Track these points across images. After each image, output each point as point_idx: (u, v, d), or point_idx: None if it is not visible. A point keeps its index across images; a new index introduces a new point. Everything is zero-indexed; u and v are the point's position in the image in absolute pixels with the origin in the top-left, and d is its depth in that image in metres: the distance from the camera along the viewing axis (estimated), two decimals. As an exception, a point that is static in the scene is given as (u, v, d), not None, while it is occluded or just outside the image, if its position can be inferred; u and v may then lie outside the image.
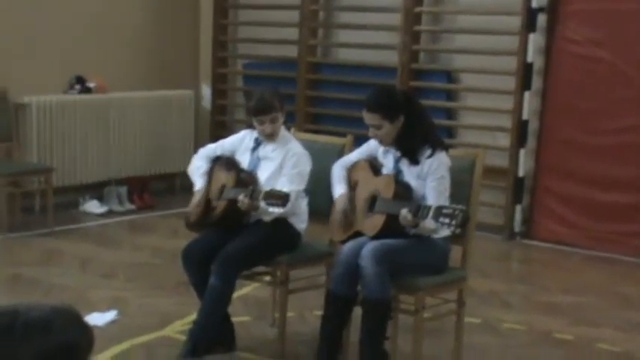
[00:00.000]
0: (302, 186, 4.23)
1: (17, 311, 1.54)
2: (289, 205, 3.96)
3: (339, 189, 4.19)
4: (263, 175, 4.26)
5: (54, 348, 1.52)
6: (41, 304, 1.57)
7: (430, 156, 3.95)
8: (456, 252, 4.16)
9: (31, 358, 1.49)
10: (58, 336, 1.52)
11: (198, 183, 4.40)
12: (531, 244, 6.97)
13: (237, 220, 4.27)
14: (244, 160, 4.36)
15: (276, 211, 3.99)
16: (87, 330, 1.60)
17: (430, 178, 3.92)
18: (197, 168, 4.45)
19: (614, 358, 4.58)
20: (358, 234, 4.08)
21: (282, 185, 4.12)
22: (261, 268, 4.49)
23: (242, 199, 4.06)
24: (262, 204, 3.99)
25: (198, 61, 8.62)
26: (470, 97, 7.44)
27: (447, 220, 3.62)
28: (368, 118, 4.00)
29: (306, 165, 4.25)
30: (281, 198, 3.91)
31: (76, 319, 1.59)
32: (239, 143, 4.44)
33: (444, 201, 3.87)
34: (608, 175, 6.64)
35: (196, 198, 4.37)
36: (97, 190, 7.63)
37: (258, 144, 4.35)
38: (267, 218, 4.20)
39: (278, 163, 4.25)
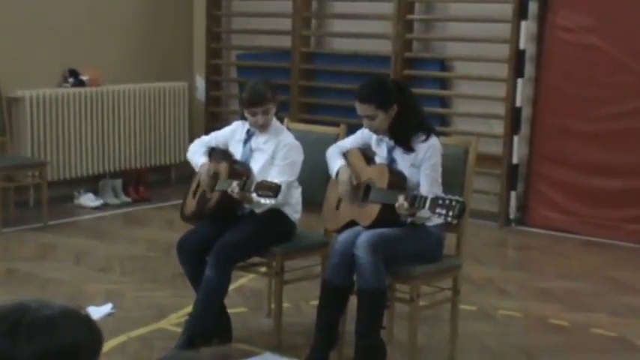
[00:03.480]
0: (293, 177, 4.22)
1: (28, 308, 1.54)
2: (280, 196, 3.96)
3: (338, 162, 4.17)
4: (255, 166, 4.26)
5: (55, 348, 1.51)
6: (53, 304, 1.57)
7: (425, 140, 3.96)
8: (450, 240, 4.17)
9: (30, 356, 1.49)
10: (62, 337, 1.52)
11: (201, 159, 4.39)
12: (526, 231, 6.99)
13: (232, 211, 4.27)
14: (236, 152, 4.36)
15: (268, 202, 3.99)
16: (94, 333, 1.58)
17: (424, 165, 3.94)
18: (195, 151, 4.46)
19: (609, 343, 4.60)
20: (353, 223, 4.09)
21: (273, 176, 4.11)
22: (256, 259, 4.49)
23: (233, 187, 4.06)
24: (254, 195, 3.99)
25: (192, 52, 8.61)
26: (463, 84, 7.44)
27: (443, 211, 3.62)
28: (361, 109, 4.01)
29: (297, 156, 4.25)
30: (272, 189, 3.91)
31: (85, 321, 1.58)
32: (231, 135, 4.43)
33: (438, 188, 3.89)
34: (601, 160, 6.66)
35: (204, 169, 4.32)
36: (91, 183, 7.63)
37: (250, 135, 4.35)
38: (259, 210, 4.21)
39: (270, 154, 4.24)
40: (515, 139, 6.99)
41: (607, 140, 6.63)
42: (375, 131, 4.06)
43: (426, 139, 3.97)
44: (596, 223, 6.72)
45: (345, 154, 4.22)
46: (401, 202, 3.75)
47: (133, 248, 6.26)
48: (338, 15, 7.98)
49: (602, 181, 6.68)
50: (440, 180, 3.95)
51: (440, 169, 3.97)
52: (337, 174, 4.16)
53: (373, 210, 3.97)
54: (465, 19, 7.27)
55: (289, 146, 4.24)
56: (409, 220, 3.90)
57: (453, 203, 3.60)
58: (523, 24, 6.82)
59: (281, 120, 4.48)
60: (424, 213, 3.75)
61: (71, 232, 6.68)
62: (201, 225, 4.35)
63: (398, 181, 3.95)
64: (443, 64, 7.48)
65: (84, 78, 7.55)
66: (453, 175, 4.05)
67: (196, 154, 4.44)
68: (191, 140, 4.78)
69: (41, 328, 1.51)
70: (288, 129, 4.48)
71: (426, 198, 3.70)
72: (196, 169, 4.43)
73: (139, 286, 5.36)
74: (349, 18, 7.80)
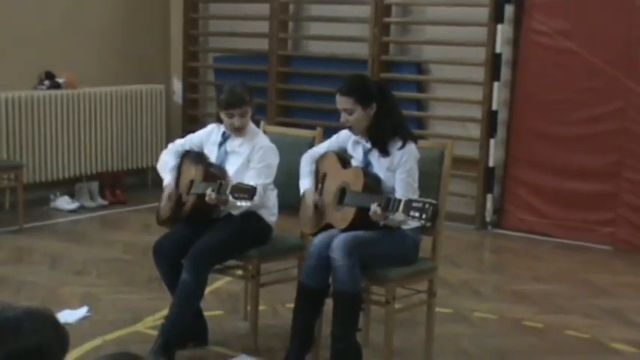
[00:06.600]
0: (269, 179, 4.23)
1: None
2: (257, 198, 3.96)
3: (305, 183, 4.21)
4: (230, 169, 4.26)
5: (22, 349, 1.51)
6: (16, 306, 1.57)
7: (401, 147, 3.98)
8: (426, 243, 4.18)
9: None
10: (28, 338, 1.51)
11: (167, 178, 4.40)
12: (502, 234, 7.03)
13: (207, 214, 4.27)
14: (212, 154, 4.37)
15: (244, 204, 3.99)
16: (60, 333, 1.58)
17: (399, 170, 3.95)
18: (165, 163, 4.45)
19: (582, 345, 4.63)
20: (329, 226, 4.10)
21: (250, 179, 4.12)
22: (232, 262, 4.49)
23: (209, 193, 4.06)
24: (230, 198, 4.00)
25: (169, 55, 8.59)
26: (440, 88, 7.48)
27: (417, 214, 3.64)
28: (341, 102, 4.02)
29: (273, 158, 4.26)
30: (248, 191, 3.92)
31: (50, 321, 1.57)
32: (206, 137, 4.44)
33: (413, 193, 3.90)
34: (577, 164, 6.71)
35: (166, 192, 4.37)
36: (68, 186, 7.59)
37: (225, 138, 4.35)
38: (235, 212, 4.21)
39: (245, 157, 4.25)
40: (492, 142, 7.04)
41: (582, 143, 6.68)
42: (352, 128, 4.07)
43: (403, 146, 3.98)
44: (571, 226, 6.77)
45: (319, 160, 4.23)
46: (374, 209, 3.78)
47: (109, 251, 6.23)
48: (315, 18, 8.00)
49: (578, 184, 6.73)
50: (416, 185, 3.96)
51: (416, 175, 3.97)
52: (304, 195, 4.19)
53: (348, 213, 3.98)
54: (442, 22, 7.30)
55: (265, 149, 4.25)
56: (382, 222, 3.91)
57: (426, 206, 3.62)
58: (499, 27, 6.86)
59: (257, 123, 4.48)
60: (398, 216, 3.76)
61: (47, 235, 6.65)
62: (177, 228, 4.34)
63: (373, 183, 3.96)
64: (419, 67, 7.51)
65: (60, 80, 7.51)
66: (429, 178, 4.07)
67: (164, 169, 4.43)
68: (168, 143, 4.77)
69: (5, 330, 1.50)
70: (264, 132, 4.49)
71: (399, 201, 3.72)
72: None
73: (115, 290, 5.34)
74: (326, 21, 7.82)
